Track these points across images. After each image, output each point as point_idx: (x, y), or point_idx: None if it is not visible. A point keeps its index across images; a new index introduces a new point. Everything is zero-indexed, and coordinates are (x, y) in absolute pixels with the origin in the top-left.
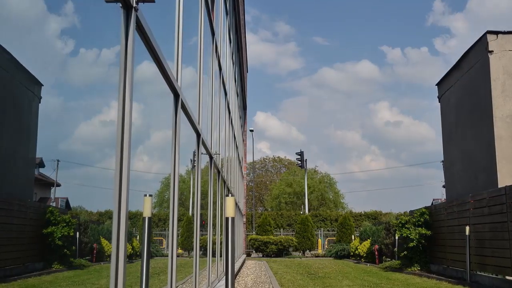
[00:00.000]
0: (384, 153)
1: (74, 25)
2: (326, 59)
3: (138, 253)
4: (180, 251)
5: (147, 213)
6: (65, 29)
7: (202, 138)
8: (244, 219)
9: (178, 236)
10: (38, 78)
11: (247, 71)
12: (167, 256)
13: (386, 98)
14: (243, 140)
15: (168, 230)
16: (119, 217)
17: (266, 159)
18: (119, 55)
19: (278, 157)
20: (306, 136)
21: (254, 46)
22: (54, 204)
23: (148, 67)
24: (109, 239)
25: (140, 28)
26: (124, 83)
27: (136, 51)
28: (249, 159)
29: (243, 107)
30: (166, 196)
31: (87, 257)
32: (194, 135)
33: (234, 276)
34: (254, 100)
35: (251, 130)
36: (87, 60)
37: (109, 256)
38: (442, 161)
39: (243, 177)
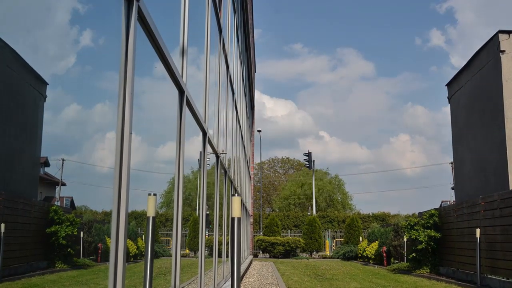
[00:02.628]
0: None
1: (72, 17)
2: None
3: (143, 253)
4: (187, 251)
5: (151, 212)
6: (63, 23)
7: (209, 137)
8: (251, 220)
9: (185, 236)
10: (43, 77)
11: (255, 71)
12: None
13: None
14: (251, 140)
15: (172, 230)
16: (118, 217)
17: (275, 159)
18: (120, 48)
19: (287, 157)
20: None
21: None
22: (58, 203)
23: (151, 62)
24: None
25: (142, 20)
26: (125, 78)
27: (138, 45)
28: (257, 159)
29: (251, 107)
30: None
31: (91, 257)
32: (200, 133)
33: (240, 277)
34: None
35: (259, 131)
36: (89, 55)
37: None
38: (451, 163)
39: (250, 177)
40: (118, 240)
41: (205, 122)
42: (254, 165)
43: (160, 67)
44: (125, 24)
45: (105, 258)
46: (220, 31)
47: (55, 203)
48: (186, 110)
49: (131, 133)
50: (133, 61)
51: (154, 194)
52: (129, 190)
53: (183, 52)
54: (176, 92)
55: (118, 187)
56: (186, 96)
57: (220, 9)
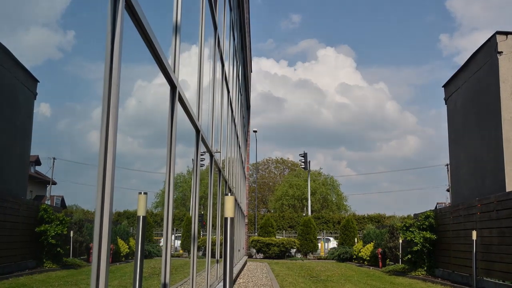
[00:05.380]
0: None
1: (57, 6)
2: None
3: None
4: (180, 251)
5: (141, 211)
6: (47, 13)
7: (202, 135)
8: (246, 220)
9: (180, 236)
10: (34, 74)
11: (251, 71)
12: (172, 256)
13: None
14: (246, 140)
15: (163, 230)
16: (102, 216)
17: (269, 160)
18: (106, 39)
19: (281, 158)
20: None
21: None
22: (49, 202)
23: (141, 55)
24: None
25: (130, 9)
26: (110, 72)
27: (126, 36)
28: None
29: (247, 106)
30: (174, 196)
31: (82, 257)
32: (194, 131)
33: (233, 278)
34: None
35: (255, 131)
36: (80, 50)
37: (109, 256)
38: (447, 164)
39: (245, 177)
40: (101, 241)
41: (198, 119)
42: (250, 166)
43: (151, 60)
44: (111, 14)
45: None
46: (215, 28)
47: (45, 202)
48: (178, 106)
49: (117, 127)
50: (120, 52)
51: (145, 193)
52: (122, 190)
53: (175, 46)
54: (167, 87)
55: (102, 185)
56: (179, 92)
57: (215, 6)
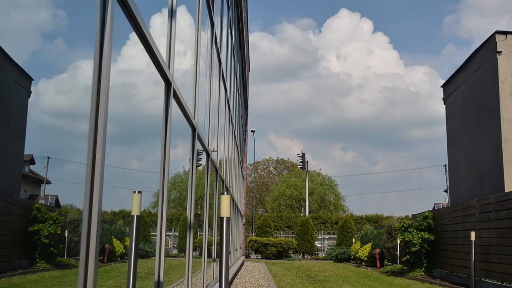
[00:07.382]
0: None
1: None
2: None
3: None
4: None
5: (135, 211)
6: (33, 6)
7: (198, 133)
8: (244, 220)
9: (176, 236)
10: (27, 71)
11: (249, 70)
12: (170, 256)
13: None
14: (244, 140)
15: (157, 230)
16: (90, 215)
17: (269, 160)
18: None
19: (281, 158)
20: None
21: None
22: (43, 202)
23: (134, 50)
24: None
25: (124, 3)
26: (100, 65)
27: (118, 30)
28: (250, 160)
29: (244, 106)
30: (172, 196)
31: (77, 257)
32: (190, 129)
33: (229, 279)
34: None
35: (253, 131)
36: (74, 47)
37: (105, 256)
38: (445, 165)
39: (243, 177)
40: (89, 239)
41: (194, 117)
42: (248, 166)
43: (144, 55)
44: (101, 5)
45: None
46: (213, 24)
47: (39, 201)
48: (173, 103)
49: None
50: (110, 47)
51: (139, 192)
52: (117, 189)
53: (170, 40)
54: (162, 83)
55: (90, 184)
56: (173, 88)
57: (213, 3)
